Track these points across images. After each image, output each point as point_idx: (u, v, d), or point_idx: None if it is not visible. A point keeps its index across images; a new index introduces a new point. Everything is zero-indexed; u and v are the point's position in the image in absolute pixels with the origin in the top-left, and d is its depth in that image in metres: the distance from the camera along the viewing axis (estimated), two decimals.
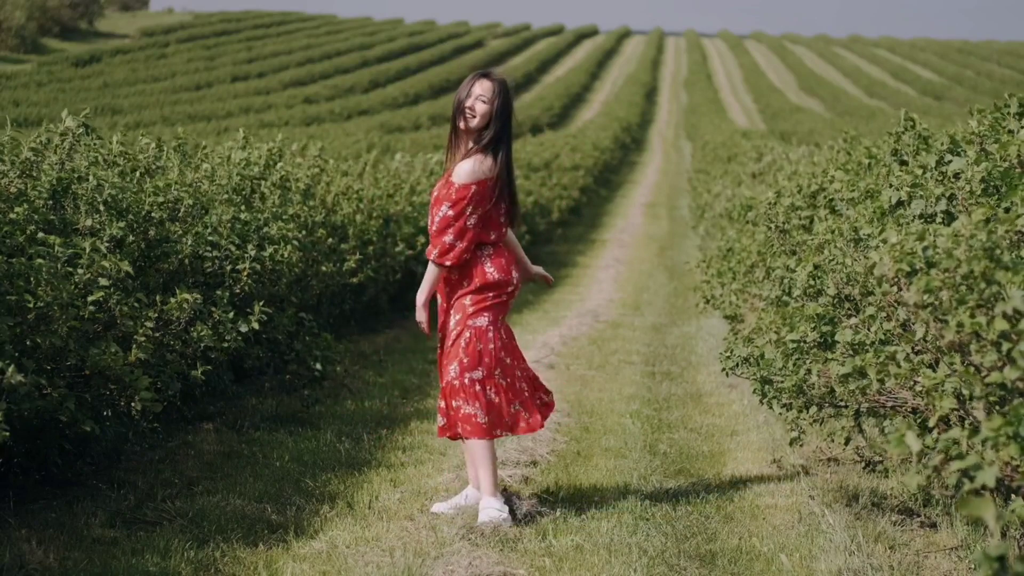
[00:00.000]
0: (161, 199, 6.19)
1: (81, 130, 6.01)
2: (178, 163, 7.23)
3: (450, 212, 5.13)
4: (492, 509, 5.06)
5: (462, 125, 5.18)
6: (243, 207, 7.24)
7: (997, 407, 3.45)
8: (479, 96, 5.15)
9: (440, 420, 5.29)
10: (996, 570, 2.00)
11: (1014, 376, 3.19)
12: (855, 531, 4.82)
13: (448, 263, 5.15)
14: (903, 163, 5.67)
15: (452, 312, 5.24)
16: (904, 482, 5.49)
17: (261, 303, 6.36)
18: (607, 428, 7.25)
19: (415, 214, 12.21)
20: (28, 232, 5.03)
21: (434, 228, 5.17)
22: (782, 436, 6.64)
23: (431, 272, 5.20)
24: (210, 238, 6.52)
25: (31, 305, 4.59)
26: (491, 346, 5.17)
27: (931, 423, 3.79)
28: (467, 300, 5.19)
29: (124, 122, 37.84)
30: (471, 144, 5.18)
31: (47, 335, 4.66)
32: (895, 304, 4.21)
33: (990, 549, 1.99)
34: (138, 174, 6.55)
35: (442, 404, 5.25)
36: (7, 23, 61.65)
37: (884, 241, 4.25)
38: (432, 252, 5.17)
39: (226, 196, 7.21)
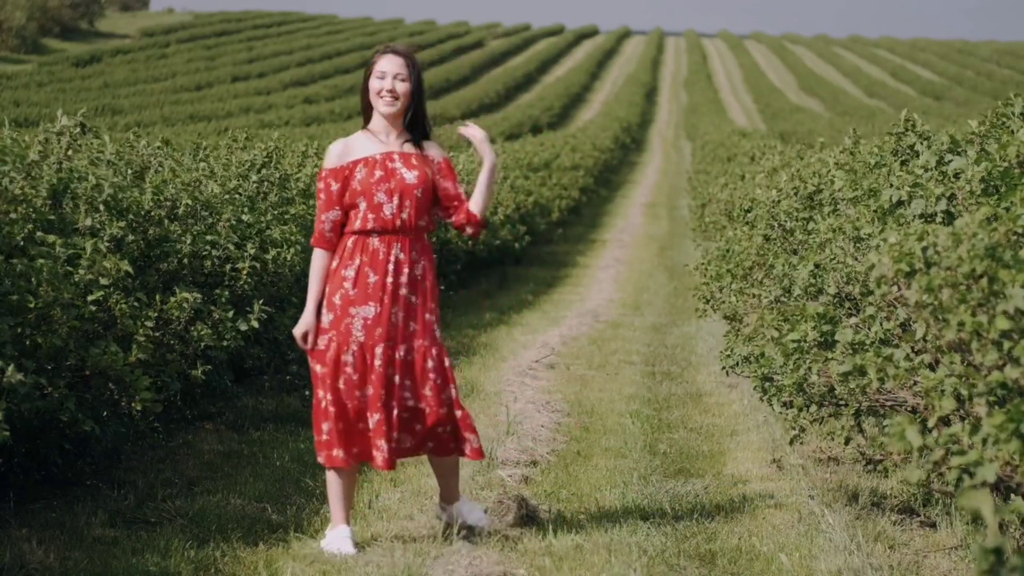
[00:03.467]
0: (160, 198, 6.19)
1: (78, 129, 6.00)
2: (170, 166, 7.21)
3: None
4: (478, 511, 4.99)
5: (385, 111, 4.76)
6: (245, 209, 7.24)
7: (998, 406, 3.45)
8: (396, 75, 4.76)
9: (474, 441, 4.81)
10: (993, 563, 2.00)
11: (1015, 375, 3.19)
12: (855, 531, 4.82)
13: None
14: (904, 163, 5.67)
15: (430, 324, 4.77)
16: (905, 477, 5.49)
17: (260, 301, 6.36)
18: (607, 428, 7.25)
19: None
20: (28, 231, 5.03)
21: (462, 191, 4.89)
22: (782, 436, 6.64)
23: None
24: (209, 238, 6.52)
25: (31, 305, 4.59)
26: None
27: (931, 423, 3.80)
28: (436, 310, 4.80)
29: (124, 122, 37.84)
30: (401, 126, 4.82)
31: (47, 335, 4.66)
32: (895, 304, 4.21)
33: (987, 542, 1.99)
34: (130, 172, 6.55)
35: (449, 428, 4.79)
36: (7, 23, 61.65)
37: (884, 241, 4.25)
38: (475, 219, 4.86)
39: (227, 196, 7.21)
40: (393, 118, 4.81)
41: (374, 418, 4.68)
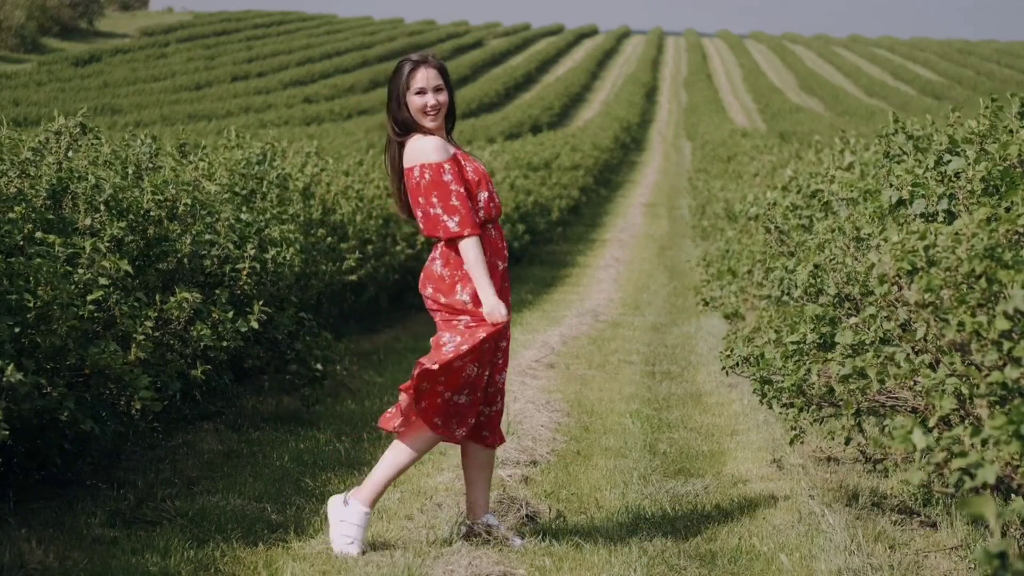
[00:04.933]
0: (160, 197, 6.18)
1: (78, 130, 5.98)
2: (172, 164, 7.20)
3: None
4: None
5: (432, 125, 4.81)
6: (243, 207, 7.23)
7: (998, 406, 3.45)
8: (436, 88, 4.81)
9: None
10: (996, 568, 2.00)
11: (1015, 375, 3.19)
12: (855, 531, 4.81)
13: None
14: (896, 164, 5.66)
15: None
16: (906, 479, 5.49)
17: (261, 303, 6.36)
18: (607, 428, 7.25)
19: None
20: (27, 231, 5.02)
21: None
22: (782, 436, 6.64)
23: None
24: (208, 237, 6.51)
25: (31, 304, 4.59)
26: None
27: (931, 423, 3.79)
28: None
29: (124, 122, 37.84)
30: (444, 130, 4.91)
31: (47, 334, 4.66)
32: (895, 303, 4.21)
33: (991, 547, 1.99)
34: (131, 171, 6.53)
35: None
36: (7, 22, 61.64)
37: (885, 240, 4.25)
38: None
39: (227, 195, 7.20)
40: (439, 127, 4.87)
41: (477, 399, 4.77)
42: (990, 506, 2.02)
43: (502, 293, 4.75)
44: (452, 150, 4.81)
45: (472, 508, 4.90)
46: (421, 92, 4.80)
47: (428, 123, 4.81)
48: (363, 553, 4.69)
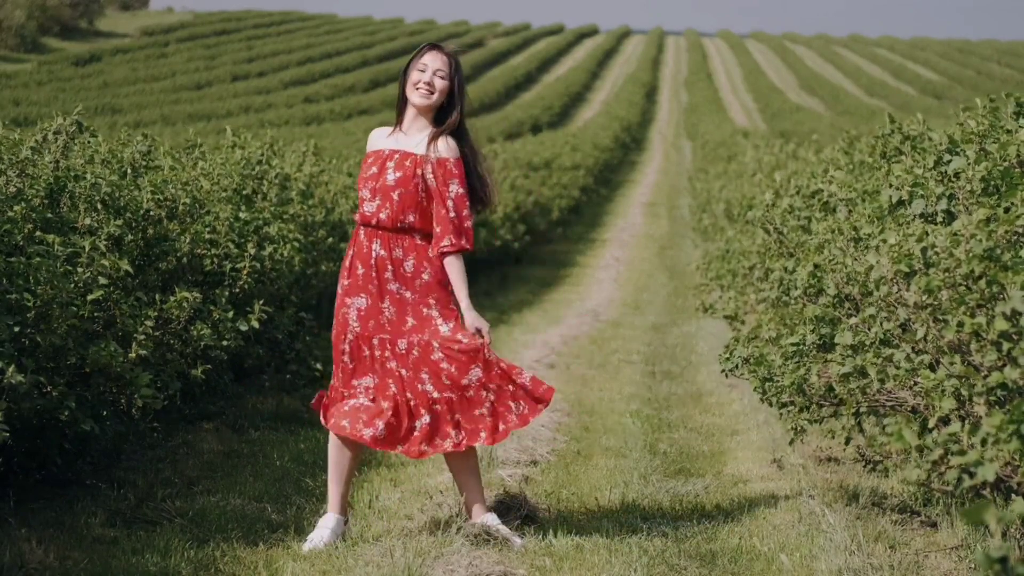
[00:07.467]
0: (159, 197, 6.18)
1: (74, 128, 5.97)
2: (170, 163, 7.19)
3: (461, 190, 4.76)
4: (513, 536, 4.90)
5: (418, 101, 4.79)
6: (243, 206, 7.23)
7: (998, 406, 3.45)
8: (437, 71, 4.80)
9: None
10: (998, 572, 2.00)
11: (1015, 375, 3.19)
12: (855, 530, 4.81)
13: (469, 248, 4.80)
14: (896, 163, 5.66)
15: (428, 319, 4.75)
16: (905, 477, 5.48)
17: (261, 302, 6.36)
18: (607, 427, 7.25)
19: None
20: (26, 231, 5.02)
21: (454, 214, 4.73)
22: (782, 436, 6.64)
23: (462, 267, 4.76)
24: (208, 237, 6.51)
25: (30, 304, 4.59)
26: None
27: (931, 424, 3.79)
28: (438, 304, 4.77)
29: (124, 121, 37.79)
30: (431, 120, 4.83)
31: (47, 334, 4.66)
32: (895, 304, 4.21)
33: (992, 551, 1.99)
34: (128, 170, 6.53)
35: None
36: (7, 22, 61.61)
37: (884, 241, 4.25)
38: (458, 240, 4.74)
39: (225, 195, 7.20)
40: (425, 110, 4.85)
41: (383, 404, 4.74)
42: (991, 513, 2.02)
43: (376, 300, 4.72)
44: (376, 147, 4.88)
45: (470, 509, 4.90)
46: (422, 69, 4.84)
47: (416, 98, 4.82)
48: (337, 540, 4.81)
